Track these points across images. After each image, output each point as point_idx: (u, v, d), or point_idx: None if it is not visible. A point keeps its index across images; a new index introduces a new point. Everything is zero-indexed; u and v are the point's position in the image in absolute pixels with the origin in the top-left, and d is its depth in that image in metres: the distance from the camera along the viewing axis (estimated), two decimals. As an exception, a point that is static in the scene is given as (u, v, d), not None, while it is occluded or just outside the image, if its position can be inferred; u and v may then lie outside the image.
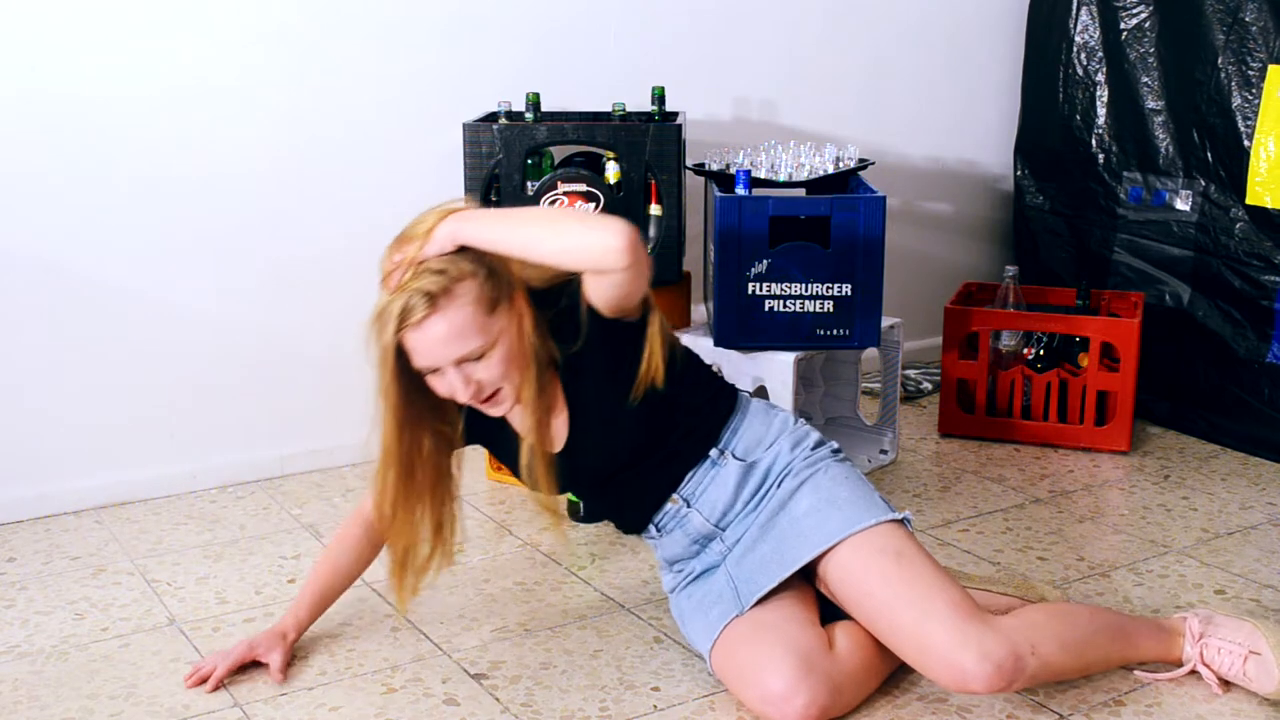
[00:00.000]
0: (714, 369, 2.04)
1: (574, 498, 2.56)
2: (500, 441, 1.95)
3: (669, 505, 1.92)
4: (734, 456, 1.90)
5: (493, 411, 1.84)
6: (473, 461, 2.92)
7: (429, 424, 1.87)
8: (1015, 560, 2.38)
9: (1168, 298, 3.20)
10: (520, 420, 1.87)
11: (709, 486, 1.90)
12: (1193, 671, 1.89)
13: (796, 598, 1.86)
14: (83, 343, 2.60)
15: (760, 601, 1.84)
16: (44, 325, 2.56)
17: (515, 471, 1.94)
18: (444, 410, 1.89)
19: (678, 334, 2.14)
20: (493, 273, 1.76)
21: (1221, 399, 3.06)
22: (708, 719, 1.83)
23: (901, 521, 1.86)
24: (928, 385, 3.46)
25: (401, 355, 1.77)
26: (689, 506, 1.92)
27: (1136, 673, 1.91)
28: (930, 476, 2.85)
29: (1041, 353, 3.06)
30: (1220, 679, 1.87)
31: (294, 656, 2.00)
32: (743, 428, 1.93)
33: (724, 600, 1.87)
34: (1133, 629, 1.90)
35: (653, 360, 1.84)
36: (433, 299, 1.71)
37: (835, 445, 1.97)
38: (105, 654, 2.03)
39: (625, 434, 1.87)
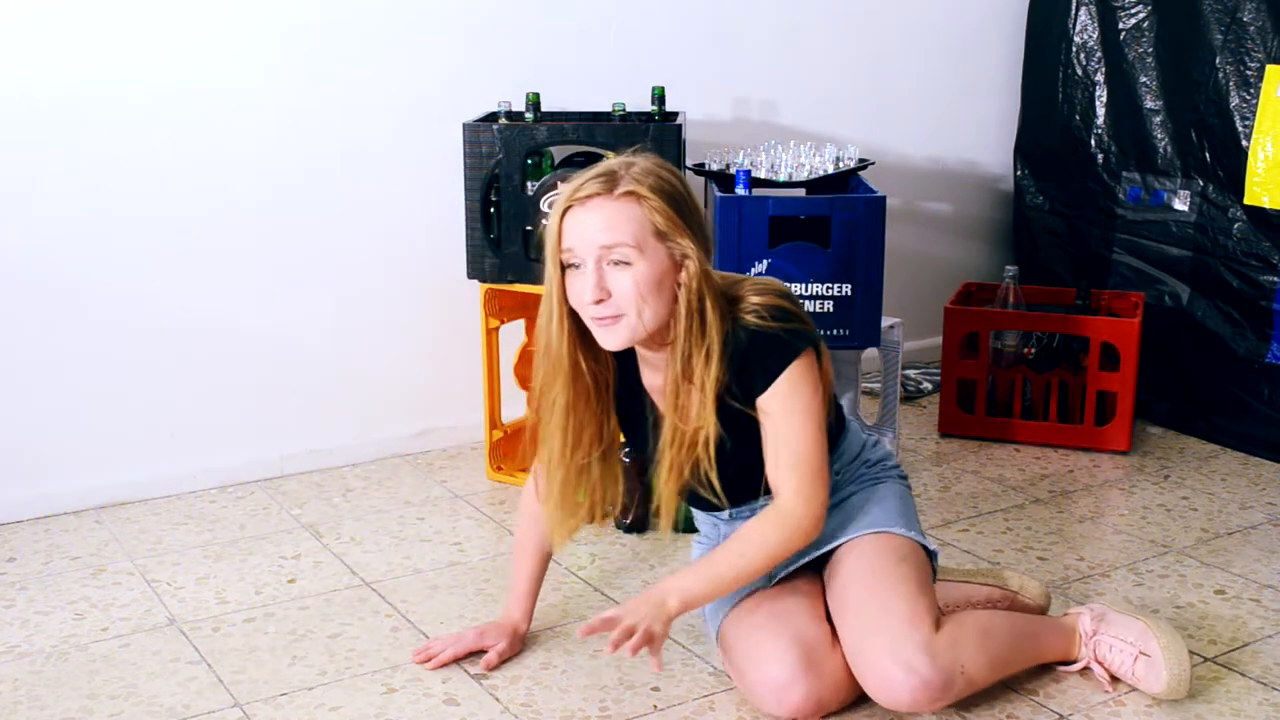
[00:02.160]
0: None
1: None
2: (635, 413, 1.90)
3: (757, 501, 1.91)
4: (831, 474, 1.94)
5: (607, 337, 1.74)
6: (472, 461, 2.92)
7: (585, 344, 1.79)
8: (1015, 560, 2.38)
9: (1167, 298, 3.20)
10: (663, 400, 1.80)
11: None
12: (1086, 667, 1.92)
13: (810, 590, 1.89)
14: (83, 343, 2.60)
15: (782, 583, 1.88)
16: (44, 325, 2.56)
17: (638, 447, 1.92)
18: (599, 352, 1.81)
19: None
20: (675, 229, 1.71)
21: (1221, 399, 3.06)
22: (707, 719, 1.83)
23: (926, 550, 1.90)
24: (928, 385, 3.46)
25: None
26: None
27: (1059, 669, 1.94)
28: (930, 476, 2.85)
29: (1041, 353, 3.06)
30: (1111, 676, 1.90)
31: (296, 657, 2.01)
32: (842, 447, 1.96)
33: None
34: (1042, 632, 1.92)
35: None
36: (612, 185, 1.69)
37: (903, 471, 2.03)
38: (105, 654, 2.03)
39: (759, 462, 1.83)
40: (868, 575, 1.80)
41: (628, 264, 1.69)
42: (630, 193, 1.68)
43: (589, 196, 1.69)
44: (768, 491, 1.84)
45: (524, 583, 2.03)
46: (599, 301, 1.70)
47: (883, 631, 1.72)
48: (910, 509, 1.96)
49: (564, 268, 1.74)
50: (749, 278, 1.84)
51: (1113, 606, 1.96)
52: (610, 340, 1.74)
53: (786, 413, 1.76)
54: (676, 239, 1.71)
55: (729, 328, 1.75)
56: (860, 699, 1.82)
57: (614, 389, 1.87)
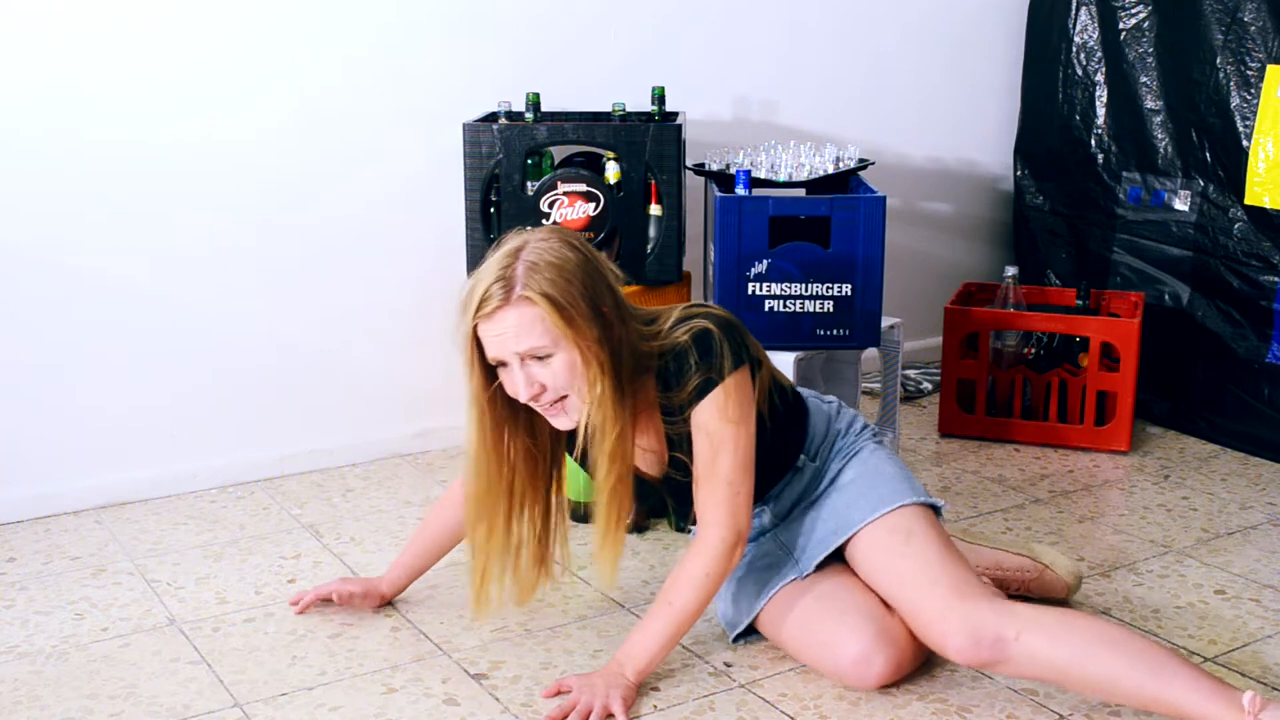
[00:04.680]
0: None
1: (573, 497, 2.56)
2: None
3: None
4: (809, 460, 2.01)
5: (559, 422, 1.82)
6: (473, 461, 2.92)
7: (519, 428, 1.87)
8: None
9: (1167, 298, 3.20)
10: (599, 447, 1.81)
11: (785, 488, 2.01)
12: None
13: (847, 572, 1.96)
14: (83, 343, 2.60)
15: (814, 573, 1.95)
16: (44, 325, 2.56)
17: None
18: (533, 421, 1.89)
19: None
20: (580, 294, 1.75)
21: (1221, 399, 3.06)
22: (707, 719, 1.83)
23: (929, 506, 1.96)
24: (928, 385, 3.46)
25: (481, 347, 1.79)
26: (763, 505, 2.02)
27: None
28: (930, 476, 2.85)
29: (1041, 353, 3.06)
30: None
31: (296, 657, 2.01)
32: (810, 429, 2.02)
33: (780, 564, 1.98)
34: (1173, 670, 1.70)
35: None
36: (509, 291, 1.72)
37: (875, 429, 2.08)
38: (105, 654, 2.03)
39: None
40: (889, 560, 1.87)
41: (548, 357, 1.75)
42: (525, 298, 1.72)
43: (493, 312, 1.73)
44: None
45: (407, 555, 2.16)
46: (535, 397, 1.77)
47: (931, 596, 1.80)
48: (897, 467, 2.00)
49: (492, 368, 1.80)
50: (686, 308, 1.88)
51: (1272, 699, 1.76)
52: (563, 423, 1.82)
53: (707, 438, 1.83)
54: (583, 319, 1.74)
55: (657, 363, 1.83)
56: (861, 705, 1.83)
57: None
